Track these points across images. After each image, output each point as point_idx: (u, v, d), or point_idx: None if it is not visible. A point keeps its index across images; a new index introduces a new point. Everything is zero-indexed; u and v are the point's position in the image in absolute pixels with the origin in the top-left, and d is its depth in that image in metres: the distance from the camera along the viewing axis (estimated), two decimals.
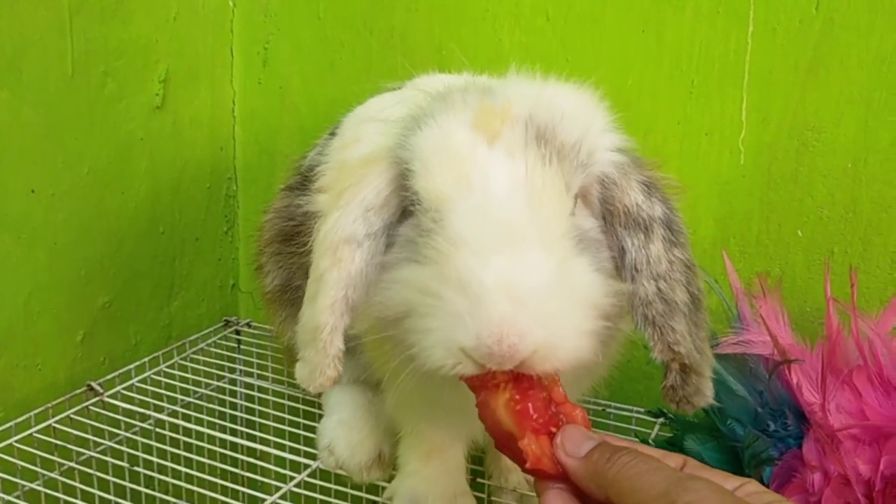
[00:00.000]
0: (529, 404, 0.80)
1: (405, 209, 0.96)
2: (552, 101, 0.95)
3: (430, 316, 0.85)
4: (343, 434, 1.36)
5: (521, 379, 0.82)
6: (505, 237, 0.85)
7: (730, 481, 0.76)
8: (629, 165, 0.97)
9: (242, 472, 1.35)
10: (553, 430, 0.80)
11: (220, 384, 1.67)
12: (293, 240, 1.27)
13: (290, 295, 1.32)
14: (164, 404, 1.53)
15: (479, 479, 1.32)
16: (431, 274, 0.87)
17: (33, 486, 1.30)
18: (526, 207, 0.87)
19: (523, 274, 0.83)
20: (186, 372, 1.65)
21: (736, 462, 1.19)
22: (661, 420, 1.42)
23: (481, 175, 0.89)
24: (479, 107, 0.94)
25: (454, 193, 0.89)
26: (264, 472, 1.35)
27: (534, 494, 1.12)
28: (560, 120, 0.92)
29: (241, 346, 1.80)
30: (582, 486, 0.77)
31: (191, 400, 1.59)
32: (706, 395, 0.96)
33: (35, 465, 1.32)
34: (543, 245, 0.86)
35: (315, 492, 1.32)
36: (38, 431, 1.37)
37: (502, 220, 0.86)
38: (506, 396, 0.81)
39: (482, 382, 0.82)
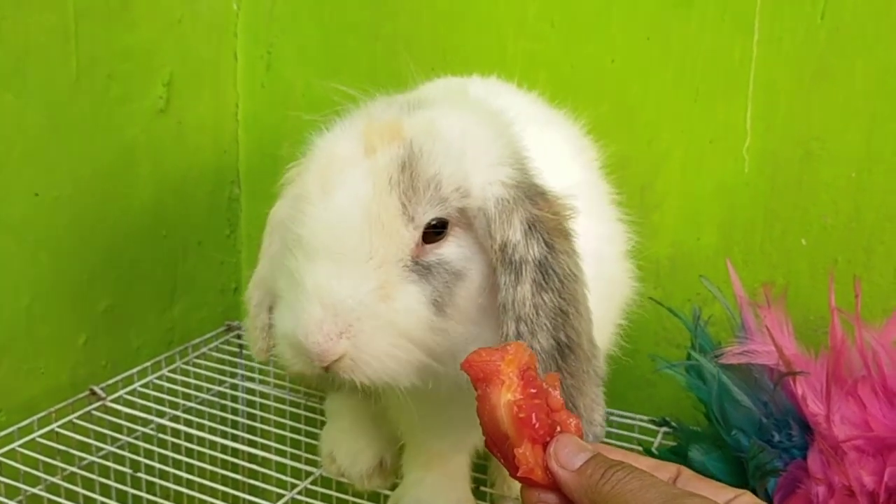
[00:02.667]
0: (533, 414, 0.78)
1: None
2: (441, 129, 0.97)
3: (277, 308, 0.99)
4: (345, 442, 1.36)
5: (527, 380, 0.80)
6: (335, 248, 0.92)
7: (723, 493, 0.76)
8: (515, 201, 0.95)
9: (244, 479, 1.35)
10: (548, 438, 0.79)
11: (221, 389, 1.66)
12: None
13: None
14: (166, 409, 1.53)
15: (482, 488, 1.32)
16: (284, 269, 0.97)
17: (35, 490, 1.30)
18: (364, 225, 0.92)
19: (340, 286, 0.91)
20: (188, 376, 1.65)
21: (741, 472, 1.19)
22: (664, 429, 1.42)
23: (337, 187, 0.94)
24: (371, 121, 0.99)
25: (314, 197, 0.96)
26: (266, 479, 1.35)
27: None
28: (435, 150, 0.95)
29: (244, 351, 1.80)
30: (573, 499, 0.76)
31: (192, 405, 1.58)
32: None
33: (37, 469, 1.32)
34: (369, 265, 0.91)
35: (317, 499, 1.31)
36: (40, 436, 1.37)
37: (339, 231, 0.92)
38: (509, 397, 0.78)
39: (486, 375, 0.80)
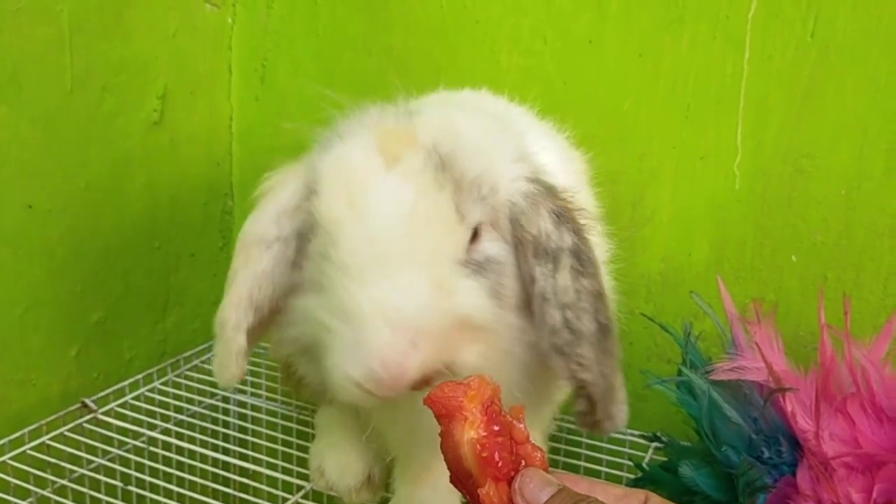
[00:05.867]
0: (496, 452, 0.77)
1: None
2: (460, 129, 0.97)
3: (329, 353, 0.89)
4: (333, 456, 1.35)
5: (490, 416, 0.78)
6: (383, 263, 0.87)
7: None
8: (539, 195, 0.97)
9: (235, 493, 1.35)
10: (513, 474, 0.78)
11: (213, 402, 1.66)
12: None
13: None
14: (158, 422, 1.53)
15: None
16: (324, 304, 0.90)
17: (25, 503, 1.30)
18: (407, 232, 0.88)
19: (399, 298, 0.85)
20: (180, 389, 1.64)
21: (730, 488, 1.19)
22: (655, 444, 1.42)
23: (371, 199, 0.90)
24: (383, 130, 0.96)
25: (344, 217, 0.90)
26: (257, 493, 1.34)
27: None
28: (464, 150, 0.94)
29: None
30: None
31: (184, 417, 1.58)
32: (616, 420, 0.99)
33: (28, 482, 1.32)
34: (419, 266, 0.87)
35: None
36: (31, 448, 1.37)
37: (382, 245, 0.88)
38: (471, 434, 0.77)
39: (448, 411, 0.79)
